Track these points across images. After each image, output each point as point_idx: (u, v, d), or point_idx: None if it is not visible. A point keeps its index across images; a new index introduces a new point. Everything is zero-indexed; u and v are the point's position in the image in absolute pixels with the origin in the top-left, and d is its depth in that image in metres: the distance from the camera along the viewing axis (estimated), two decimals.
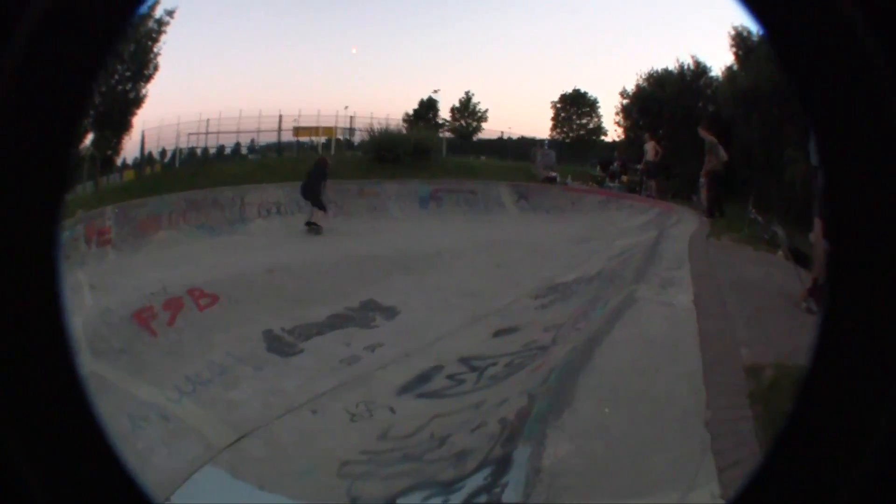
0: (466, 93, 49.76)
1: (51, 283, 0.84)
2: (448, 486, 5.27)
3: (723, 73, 23.30)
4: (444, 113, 48.39)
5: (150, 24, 20.20)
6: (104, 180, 18.95)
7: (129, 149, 20.95)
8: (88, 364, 7.73)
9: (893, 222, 0.81)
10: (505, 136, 37.62)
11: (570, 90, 48.75)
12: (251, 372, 8.94)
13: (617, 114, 28.51)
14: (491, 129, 46.36)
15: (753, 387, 4.80)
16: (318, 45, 66.73)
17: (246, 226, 17.24)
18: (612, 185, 24.10)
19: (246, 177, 19.51)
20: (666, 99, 24.07)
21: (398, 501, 5.46)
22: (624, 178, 24.06)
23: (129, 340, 8.95)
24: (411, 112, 44.52)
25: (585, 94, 48.18)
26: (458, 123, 48.71)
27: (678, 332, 6.31)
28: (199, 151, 24.89)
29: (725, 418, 4.39)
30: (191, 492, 6.22)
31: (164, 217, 15.77)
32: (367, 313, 11.30)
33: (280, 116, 26.66)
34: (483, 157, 32.69)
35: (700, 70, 24.63)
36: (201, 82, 57.80)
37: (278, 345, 9.87)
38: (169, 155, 23.53)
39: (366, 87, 63.67)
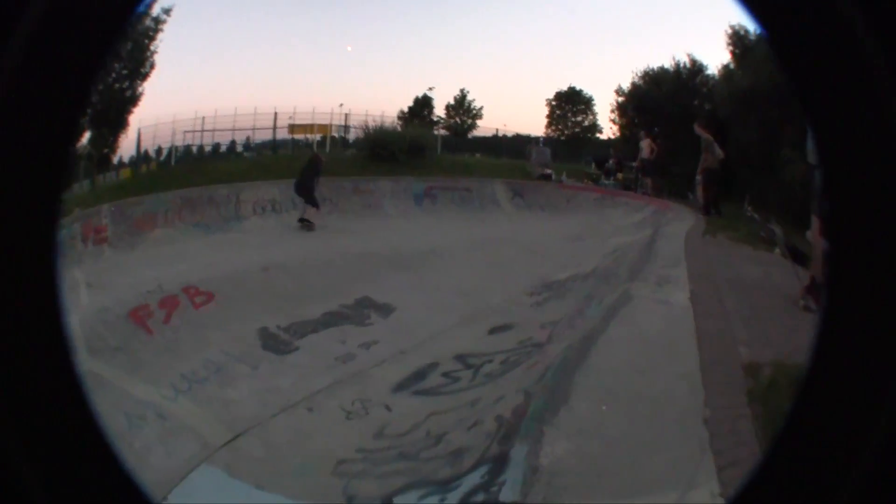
0: (461, 90, 49.59)
1: (50, 281, 0.83)
2: (444, 485, 5.26)
3: (719, 71, 23.35)
4: (439, 110, 48.27)
5: (147, 22, 20.11)
6: (101, 178, 18.86)
7: (126, 147, 20.88)
8: (85, 362, 7.70)
9: (891, 221, 0.80)
10: (500, 134, 37.61)
11: (565, 88, 48.65)
12: (247, 370, 8.91)
13: (612, 111, 28.50)
14: (486, 126, 46.28)
15: (752, 385, 4.79)
16: (313, 43, 66.43)
17: (241, 223, 17.15)
18: (607, 182, 24.08)
19: (241, 175, 19.40)
20: (661, 97, 24.07)
21: (394, 500, 5.45)
22: (619, 175, 24.07)
23: (125, 339, 8.91)
24: (406, 109, 44.50)
25: (581, 91, 48.04)
26: (453, 121, 48.58)
27: (675, 330, 6.30)
28: (194, 149, 24.83)
29: (724, 417, 4.37)
30: (187, 491, 6.20)
31: (160, 215, 15.69)
32: (362, 311, 11.27)
33: (275, 114, 26.60)
34: (478, 155, 32.64)
35: (696, 68, 24.65)
36: (197, 80, 57.54)
37: (274, 343, 9.84)
38: (165, 153, 23.46)
39: (361, 84, 63.41)
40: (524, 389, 6.39)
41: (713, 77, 23.93)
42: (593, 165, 27.37)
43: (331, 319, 10.79)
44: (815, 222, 7.77)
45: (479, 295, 11.75)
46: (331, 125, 28.98)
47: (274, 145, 27.02)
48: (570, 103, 48.24)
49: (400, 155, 23.02)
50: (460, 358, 8.83)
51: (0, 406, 0.82)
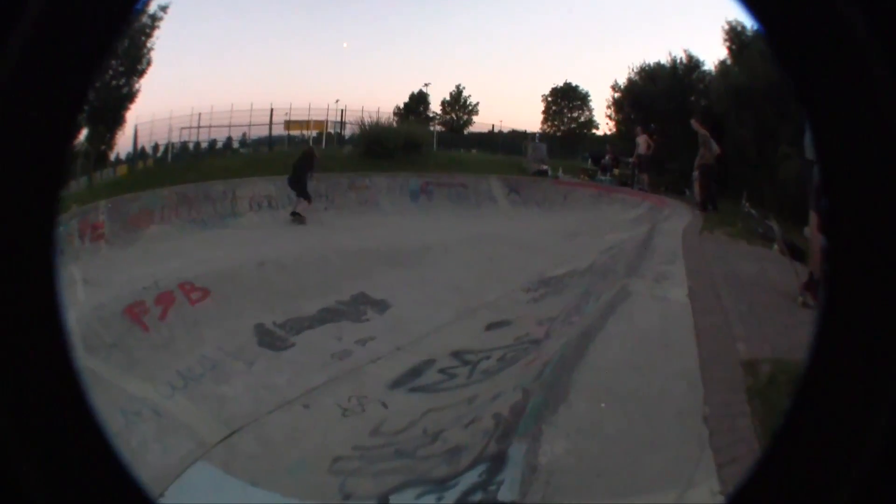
0: (457, 86, 49.79)
1: (48, 278, 0.83)
2: (442, 484, 5.23)
3: (716, 67, 23.38)
4: (435, 106, 48.44)
5: (144, 19, 20.07)
6: (98, 175, 18.85)
7: (123, 144, 20.88)
8: (81, 359, 7.65)
9: (890, 216, 0.80)
10: (496, 130, 37.68)
11: (561, 83, 48.81)
12: (243, 367, 8.88)
13: (608, 107, 28.59)
14: (482, 122, 46.53)
15: (751, 382, 4.78)
16: (309, 39, 66.46)
17: (237, 220, 17.16)
18: (603, 178, 24.13)
19: (237, 171, 19.43)
20: (658, 93, 24.09)
21: (391, 499, 5.42)
22: (616, 171, 24.10)
23: (121, 335, 8.87)
24: (402, 106, 44.57)
25: (577, 87, 48.24)
26: (448, 117, 48.71)
27: (673, 326, 6.29)
28: (191, 146, 24.83)
29: (723, 414, 4.36)
30: (183, 488, 6.18)
31: (157, 212, 15.70)
32: (358, 307, 11.25)
33: (271, 110, 26.60)
34: (474, 151, 32.71)
35: (693, 64, 24.68)
36: (193, 77, 57.60)
37: (269, 339, 9.81)
38: (161, 150, 23.46)
39: (357, 80, 63.46)
40: (522, 387, 6.36)
41: (710, 73, 24.00)
42: (589, 161, 27.46)
43: (327, 316, 10.77)
44: (812, 218, 7.77)
45: (476, 291, 11.74)
46: (327, 121, 29.05)
47: (270, 142, 27.01)
48: (566, 99, 48.44)
49: (396, 151, 23.02)
50: (457, 354, 8.80)
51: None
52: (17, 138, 0.80)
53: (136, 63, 20.24)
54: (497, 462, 5.01)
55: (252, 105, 26.50)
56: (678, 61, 24.83)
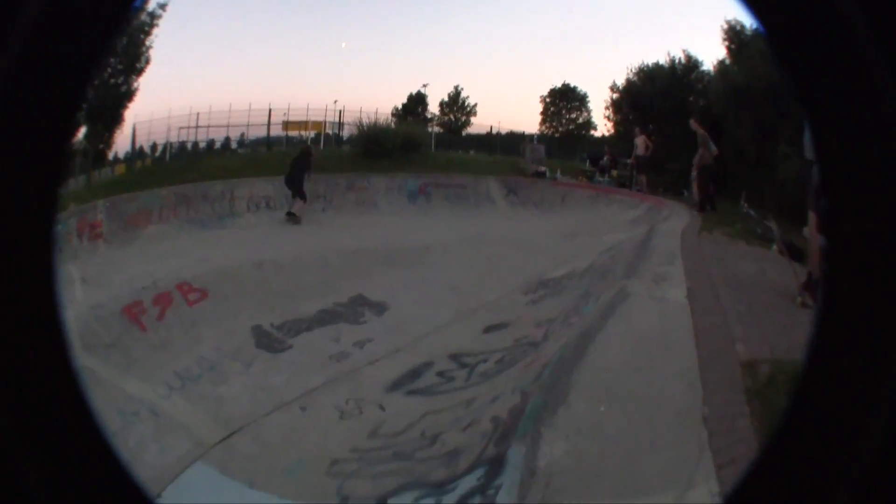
0: (455, 87, 49.77)
1: (47, 277, 0.83)
2: (440, 487, 5.21)
3: (714, 67, 23.38)
4: (434, 107, 48.43)
5: (143, 17, 20.06)
6: (96, 174, 18.84)
7: (121, 143, 20.88)
8: (79, 358, 7.65)
9: (889, 216, 0.79)
10: (494, 131, 37.59)
11: (559, 84, 48.81)
12: (240, 368, 8.88)
13: (607, 108, 28.61)
14: (480, 123, 46.52)
15: (750, 383, 4.77)
16: (307, 40, 66.48)
17: (235, 220, 17.17)
18: (601, 179, 24.14)
19: (236, 171, 19.43)
20: (656, 93, 24.10)
21: (389, 501, 5.40)
22: (614, 172, 24.11)
23: (118, 335, 8.86)
24: (400, 106, 44.57)
25: (575, 88, 48.22)
26: (447, 118, 48.69)
27: (672, 327, 6.28)
28: (189, 146, 24.82)
29: (722, 415, 4.35)
30: (181, 489, 6.19)
31: (155, 211, 15.71)
32: (356, 309, 11.24)
33: (269, 111, 26.57)
34: (472, 152, 32.67)
35: (691, 64, 24.71)
36: (192, 76, 57.64)
37: (267, 340, 9.81)
38: (160, 149, 23.46)
39: (355, 81, 63.57)
40: (520, 389, 6.35)
41: (708, 73, 24.01)
42: (588, 162, 27.42)
43: (325, 317, 10.77)
44: (811, 218, 7.77)
45: (474, 293, 11.74)
46: (325, 122, 29.01)
47: (268, 142, 26.99)
48: (564, 100, 48.45)
49: (394, 152, 23.02)
50: (455, 357, 8.80)
51: None
52: (15, 135, 0.80)
53: (134, 61, 20.23)
54: (496, 465, 5.00)
55: (250, 105, 26.52)
56: (677, 61, 24.86)
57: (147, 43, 20.49)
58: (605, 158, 25.00)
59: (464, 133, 45.38)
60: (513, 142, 33.27)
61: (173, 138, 23.88)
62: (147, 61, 20.59)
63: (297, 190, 17.47)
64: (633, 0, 64.99)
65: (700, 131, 15.89)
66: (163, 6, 20.58)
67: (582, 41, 68.57)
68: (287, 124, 27.62)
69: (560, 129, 47.26)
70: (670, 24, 62.84)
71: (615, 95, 27.35)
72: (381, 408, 7.61)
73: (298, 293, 11.35)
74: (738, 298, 7.30)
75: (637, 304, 7.29)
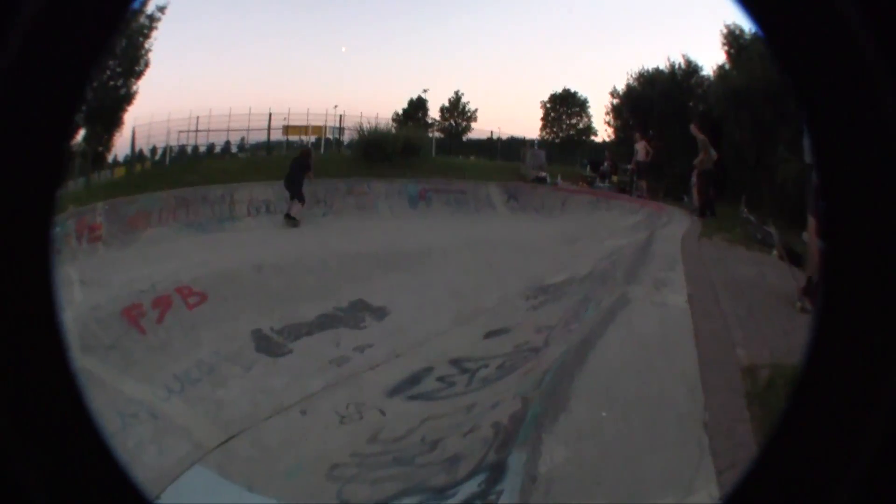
0: (456, 92, 49.95)
1: (45, 278, 0.83)
2: (440, 492, 5.19)
3: (714, 71, 23.42)
4: (434, 112, 48.56)
5: (142, 19, 20.09)
6: (96, 176, 18.87)
7: (121, 145, 20.93)
8: (78, 360, 7.65)
9: (888, 220, 0.80)
10: (494, 136, 37.67)
11: (559, 90, 48.96)
12: (240, 371, 8.89)
13: (607, 113, 28.69)
14: (480, 128, 46.58)
15: (750, 387, 4.77)
16: (308, 44, 66.73)
17: (235, 224, 17.15)
18: (602, 185, 24.15)
19: (235, 175, 19.42)
20: (656, 98, 24.14)
21: None
22: (614, 178, 24.12)
23: (118, 337, 8.87)
24: (401, 111, 44.68)
25: (575, 93, 48.45)
26: (447, 123, 48.80)
27: (673, 333, 6.27)
28: (189, 149, 24.85)
29: (723, 420, 4.34)
30: (180, 491, 6.21)
31: (154, 214, 15.72)
32: (357, 313, 11.23)
33: (270, 115, 26.66)
34: (472, 157, 32.73)
35: (691, 69, 24.76)
36: (192, 79, 57.83)
37: (267, 345, 9.80)
38: (159, 152, 23.49)
39: (356, 86, 63.71)
40: (521, 395, 6.33)
41: (708, 78, 24.05)
42: (588, 168, 27.44)
43: (325, 322, 10.76)
44: (811, 222, 7.77)
45: (475, 298, 11.72)
46: (325, 126, 29.08)
47: (268, 146, 27.04)
48: (564, 105, 48.60)
49: (394, 156, 23.01)
50: (456, 362, 8.78)
51: None
52: (13, 136, 0.79)
53: (134, 64, 20.28)
54: (496, 471, 4.98)
55: (250, 109, 26.65)
56: (677, 66, 24.91)
57: (146, 45, 20.56)
58: (606, 164, 25.04)
59: (464, 138, 45.57)
60: (513, 147, 33.37)
61: (173, 141, 24.02)
62: (146, 64, 20.69)
63: (295, 192, 17.48)
64: (633, 5, 65.17)
65: (700, 136, 15.89)
66: (162, 9, 20.65)
67: (582, 46, 68.75)
68: (287, 128, 27.70)
69: (560, 134, 47.43)
70: (670, 29, 63.01)
71: (615, 101, 27.44)
72: (382, 413, 7.60)
73: (298, 297, 11.33)
74: (739, 303, 7.30)
75: (638, 309, 7.28)
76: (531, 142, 36.04)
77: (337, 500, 5.76)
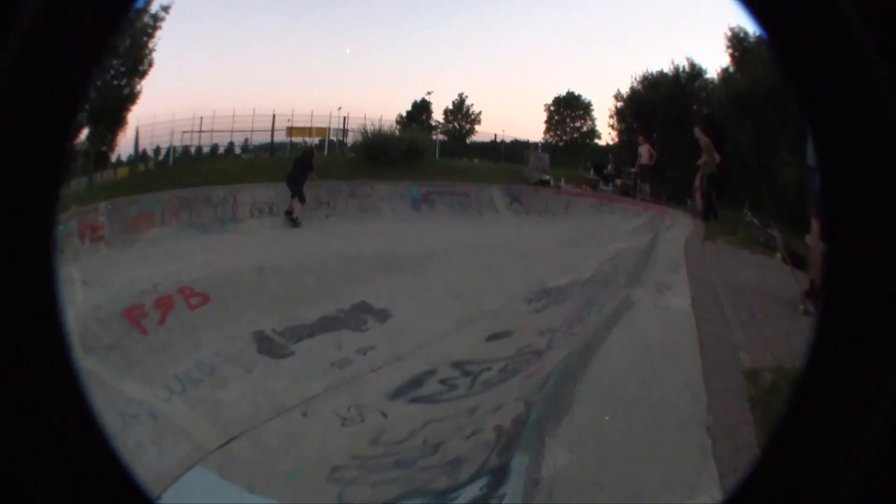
0: (460, 95, 49.83)
1: (47, 277, 0.83)
2: (442, 496, 5.18)
3: (718, 74, 23.38)
4: (438, 115, 48.51)
5: (146, 19, 20.08)
6: (98, 176, 18.87)
7: (124, 145, 20.91)
8: (79, 359, 7.65)
9: (891, 223, 0.80)
10: (498, 139, 37.65)
11: (563, 93, 48.88)
12: (241, 373, 8.87)
13: (611, 117, 28.58)
14: (484, 131, 46.51)
15: (753, 391, 4.77)
16: (312, 45, 66.61)
17: (237, 225, 17.16)
18: (605, 188, 24.14)
19: (238, 176, 19.42)
20: (660, 101, 24.11)
21: None
22: (618, 181, 24.09)
23: (119, 337, 8.88)
24: (404, 113, 44.63)
25: (579, 96, 48.31)
26: (451, 125, 48.74)
27: (677, 336, 6.27)
28: (192, 150, 24.84)
29: (726, 423, 4.34)
30: (180, 492, 6.20)
31: (157, 214, 15.74)
32: (359, 316, 11.20)
33: (273, 116, 26.64)
34: (476, 160, 32.70)
35: (695, 72, 24.70)
36: (196, 80, 57.80)
37: (269, 346, 9.78)
38: (163, 153, 23.48)
39: (359, 87, 63.63)
40: (524, 398, 6.32)
41: (712, 81, 24.00)
42: (592, 171, 27.44)
43: (327, 324, 10.74)
44: (814, 225, 7.76)
45: (477, 301, 11.69)
46: (329, 128, 29.04)
47: (272, 147, 27.03)
48: (568, 108, 48.51)
49: (398, 159, 23.00)
50: (458, 365, 8.75)
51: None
52: (15, 135, 0.79)
53: (137, 64, 20.23)
54: (498, 475, 4.96)
55: (254, 110, 26.61)
56: (681, 69, 24.87)
57: (150, 45, 20.51)
58: (609, 167, 25.02)
59: (468, 141, 45.47)
60: (517, 150, 33.35)
61: (176, 142, 23.94)
62: (150, 64, 20.62)
63: (296, 190, 17.53)
64: (638, 8, 65.13)
65: (704, 139, 15.88)
66: (166, 9, 20.59)
67: (586, 49, 68.68)
68: (291, 130, 27.68)
69: (564, 137, 47.34)
70: (675, 31, 62.93)
71: (619, 104, 27.36)
72: (383, 415, 7.58)
73: (300, 299, 11.32)
74: (742, 307, 7.29)
75: (641, 312, 7.27)
76: (535, 144, 36.02)
77: (338, 502, 5.75)
